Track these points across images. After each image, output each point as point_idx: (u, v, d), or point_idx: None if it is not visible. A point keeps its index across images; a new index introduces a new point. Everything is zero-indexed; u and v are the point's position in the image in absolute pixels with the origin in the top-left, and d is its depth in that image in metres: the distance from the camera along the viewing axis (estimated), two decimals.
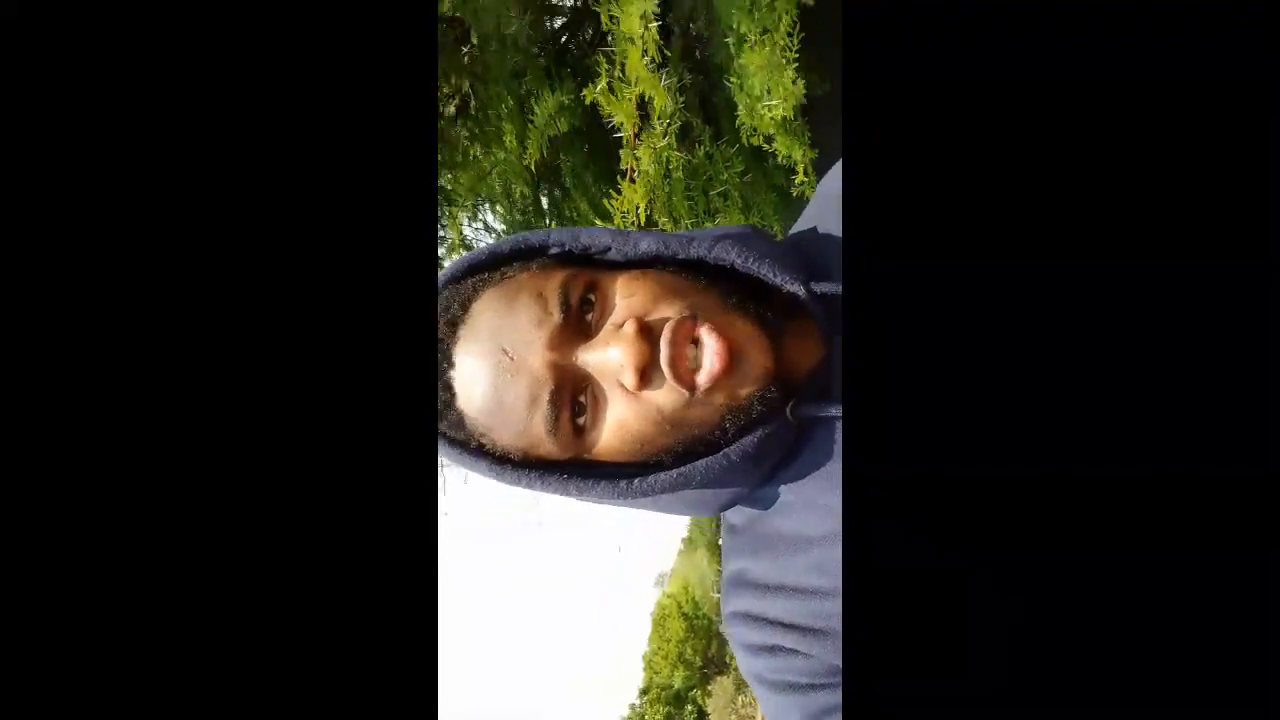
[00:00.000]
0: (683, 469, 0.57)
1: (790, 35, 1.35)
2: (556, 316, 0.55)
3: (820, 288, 0.59)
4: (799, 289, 0.59)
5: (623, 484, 0.58)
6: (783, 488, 0.61)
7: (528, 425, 0.56)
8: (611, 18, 1.40)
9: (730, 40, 1.45)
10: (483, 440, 0.58)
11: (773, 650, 0.60)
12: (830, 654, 0.58)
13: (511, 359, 0.55)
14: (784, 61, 1.34)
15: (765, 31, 1.37)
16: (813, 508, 0.59)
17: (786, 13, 1.35)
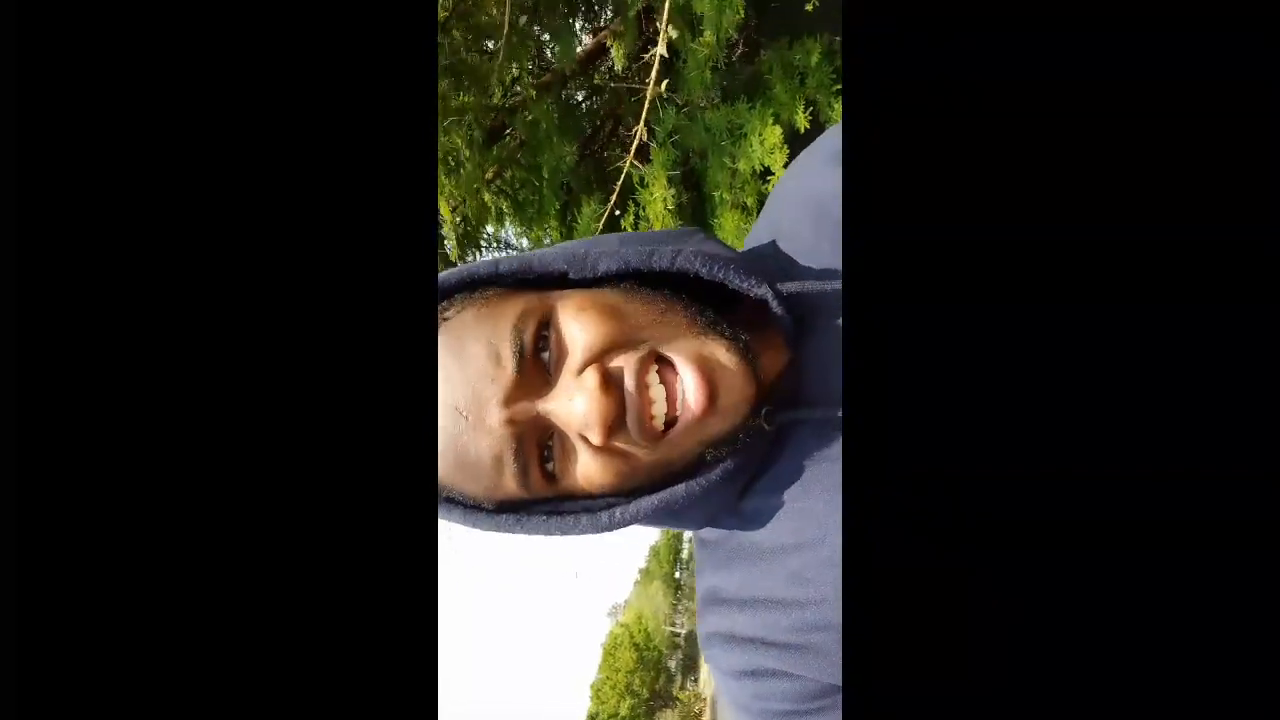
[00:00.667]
0: (663, 495, 0.55)
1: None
2: (510, 369, 0.51)
3: (787, 288, 0.57)
4: (765, 291, 0.56)
5: (604, 517, 0.56)
6: (756, 497, 0.59)
7: (496, 481, 0.53)
8: (641, 180, 1.68)
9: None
10: (450, 493, 0.56)
11: (756, 674, 0.57)
12: (817, 671, 0.55)
13: (467, 418, 0.51)
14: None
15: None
16: (787, 514, 0.57)
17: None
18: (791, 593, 0.55)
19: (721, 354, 0.53)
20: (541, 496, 0.56)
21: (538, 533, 0.56)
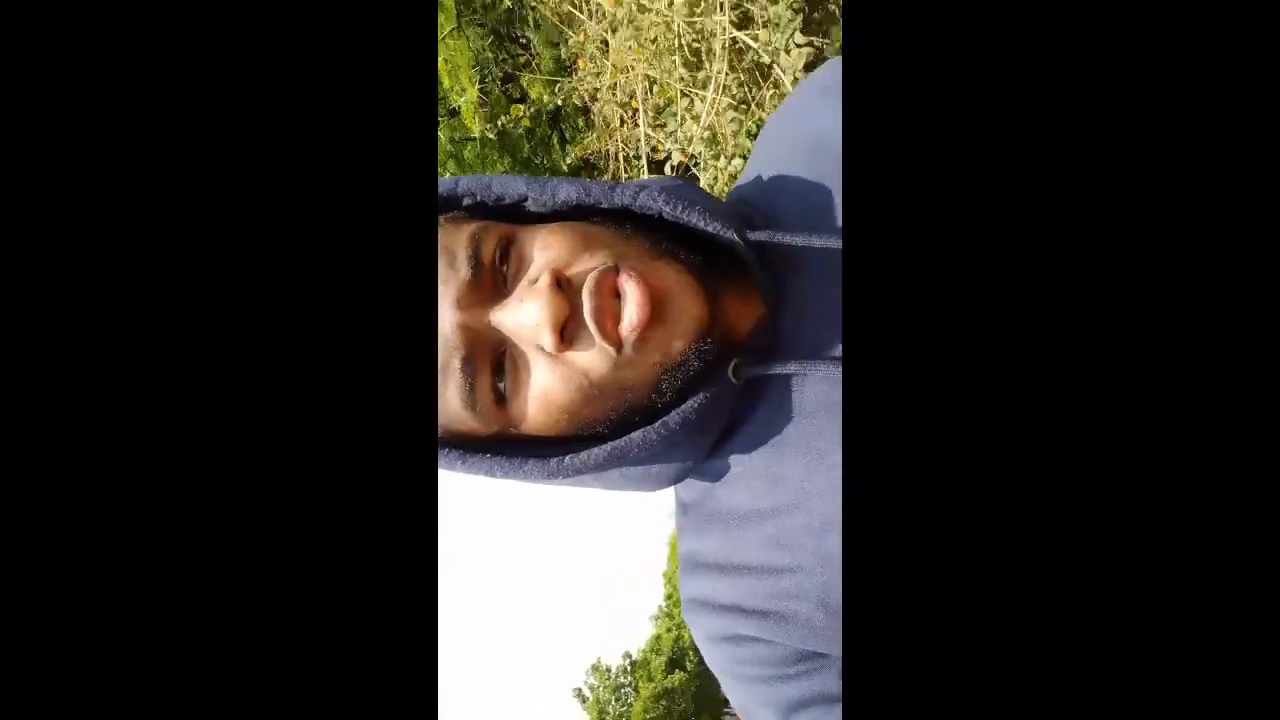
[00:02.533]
0: (617, 443, 0.52)
1: None
2: (464, 272, 0.49)
3: (756, 236, 0.54)
4: (731, 236, 0.53)
5: (553, 462, 0.53)
6: (731, 458, 0.57)
7: (442, 399, 0.50)
8: None
9: None
10: None
11: (734, 640, 0.56)
12: (795, 639, 0.54)
13: None
14: None
15: None
16: (763, 478, 0.55)
17: None
18: (768, 559, 0.54)
19: (670, 273, 0.52)
20: (490, 428, 0.53)
21: (480, 471, 0.53)
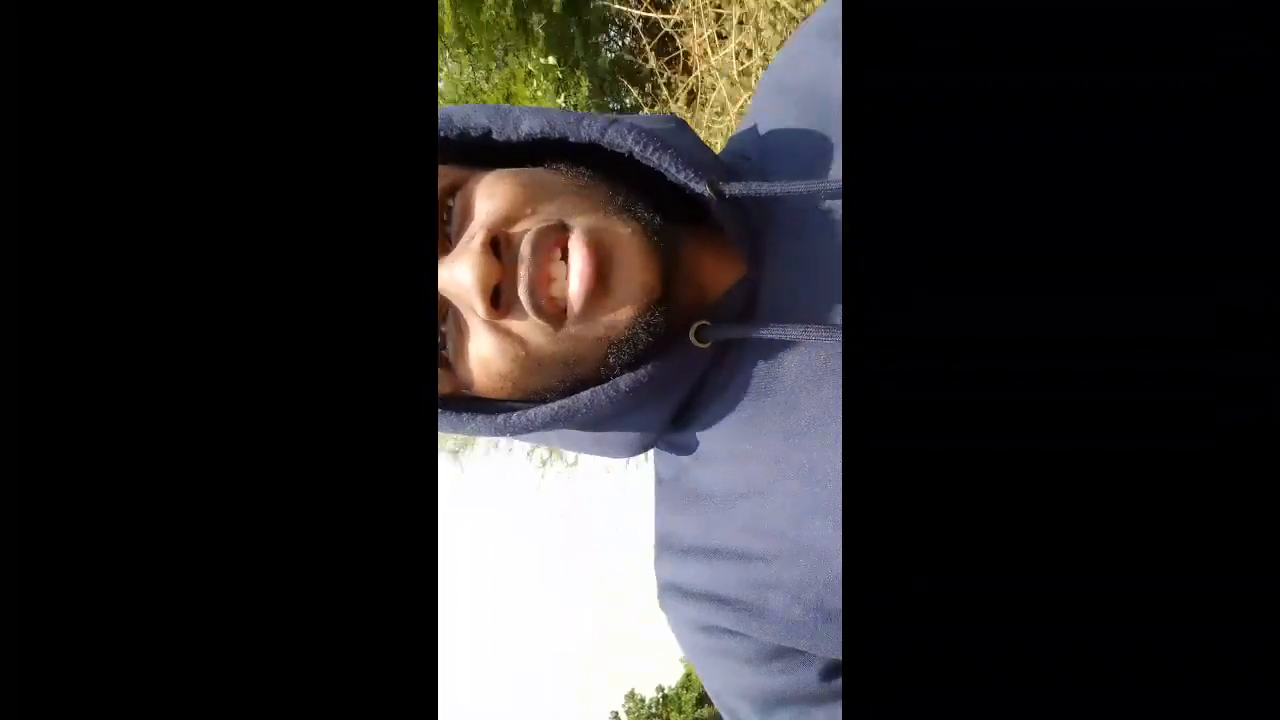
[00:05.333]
0: (564, 402, 0.49)
1: None
2: None
3: (732, 188, 0.48)
4: (703, 188, 0.48)
5: (500, 418, 0.50)
6: (704, 433, 0.53)
7: None
8: None
9: None
10: None
11: (710, 630, 0.53)
12: (771, 634, 0.50)
13: None
14: None
15: None
16: (738, 456, 0.51)
17: None
18: (743, 544, 0.50)
19: (622, 231, 0.47)
20: (442, 389, 0.51)
21: None
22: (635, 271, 0.47)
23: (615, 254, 0.46)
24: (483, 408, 0.51)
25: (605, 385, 0.48)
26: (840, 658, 0.48)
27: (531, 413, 0.49)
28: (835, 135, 0.50)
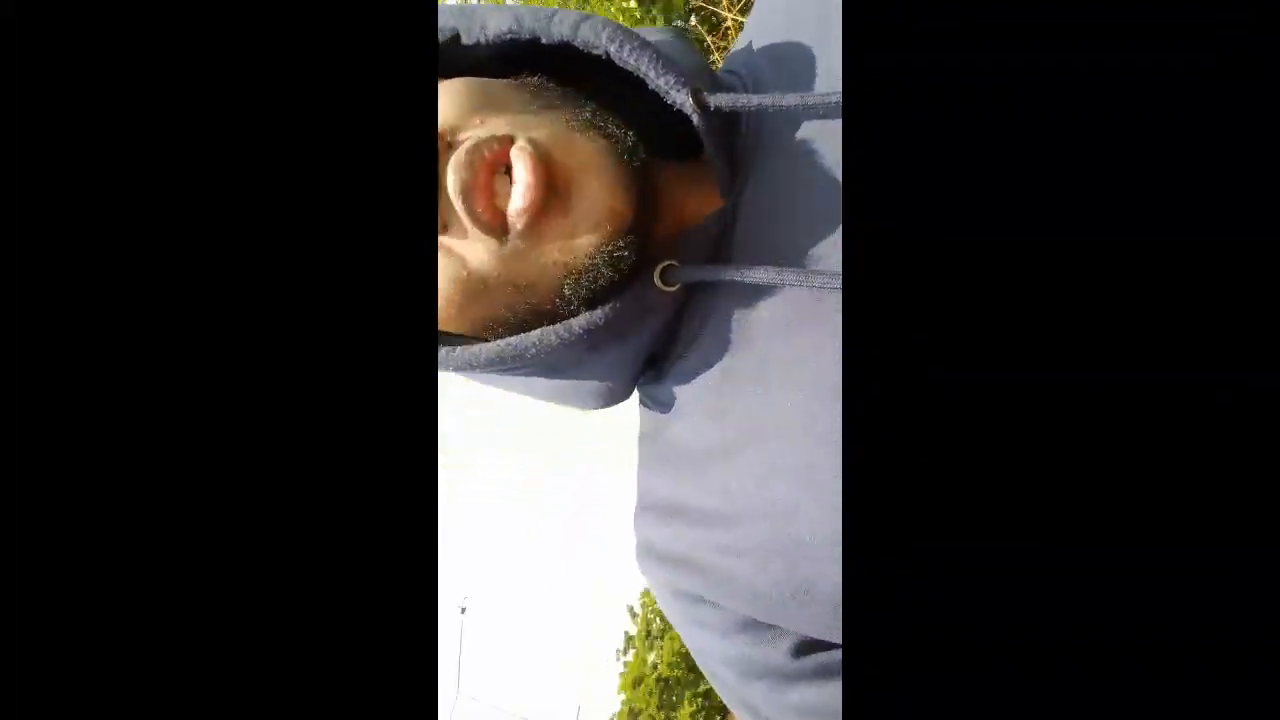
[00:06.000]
0: (511, 340, 0.44)
1: None
2: None
3: (718, 99, 0.43)
4: (684, 98, 0.42)
5: (442, 352, 0.45)
6: (677, 387, 0.48)
7: None
8: None
9: None
10: None
11: (683, 596, 0.50)
12: (739, 604, 0.46)
13: None
14: None
15: None
16: (710, 413, 0.47)
17: None
18: (712, 504, 0.46)
19: (586, 146, 0.42)
20: None
21: None
22: (599, 192, 0.42)
23: (573, 170, 0.42)
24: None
25: (557, 325, 0.44)
26: (810, 636, 0.45)
27: (475, 348, 0.45)
28: (829, 45, 0.45)
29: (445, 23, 0.46)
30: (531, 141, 0.41)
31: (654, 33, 0.49)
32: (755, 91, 0.47)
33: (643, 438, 0.54)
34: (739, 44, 0.54)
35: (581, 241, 0.42)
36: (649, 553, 0.51)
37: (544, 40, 0.45)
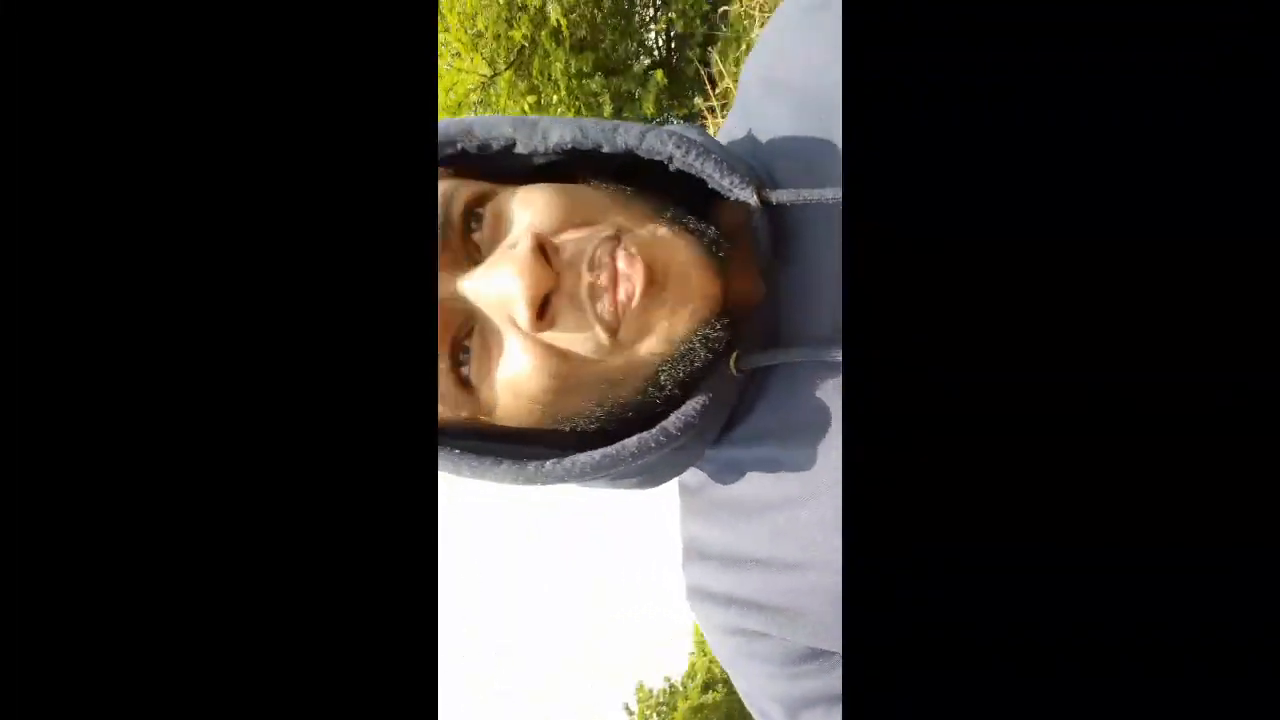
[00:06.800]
0: (609, 450, 0.46)
1: None
2: None
3: (778, 195, 0.46)
4: (750, 195, 0.45)
5: (531, 467, 0.46)
6: (733, 451, 0.52)
7: None
8: None
9: None
10: None
11: (742, 633, 0.52)
12: (802, 635, 0.49)
13: None
14: None
15: None
16: (769, 468, 0.50)
17: None
18: (776, 553, 0.49)
19: (679, 246, 0.45)
20: (457, 413, 0.46)
21: (446, 468, 0.46)
22: (697, 282, 0.45)
23: (672, 265, 0.44)
24: (508, 453, 0.47)
25: (655, 431, 0.45)
26: None
27: (570, 461, 0.45)
28: (838, 139, 0.48)
29: (502, 131, 0.48)
30: (634, 242, 0.43)
31: (688, 129, 0.51)
32: (775, 181, 0.50)
33: (686, 488, 0.56)
34: (732, 126, 0.56)
35: (681, 329, 0.44)
36: (705, 597, 0.53)
37: (606, 149, 0.47)
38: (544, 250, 0.43)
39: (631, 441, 0.45)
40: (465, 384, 0.45)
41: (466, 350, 0.45)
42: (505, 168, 0.49)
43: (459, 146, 0.47)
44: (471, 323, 0.44)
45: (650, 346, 0.45)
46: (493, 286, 0.43)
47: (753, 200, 0.46)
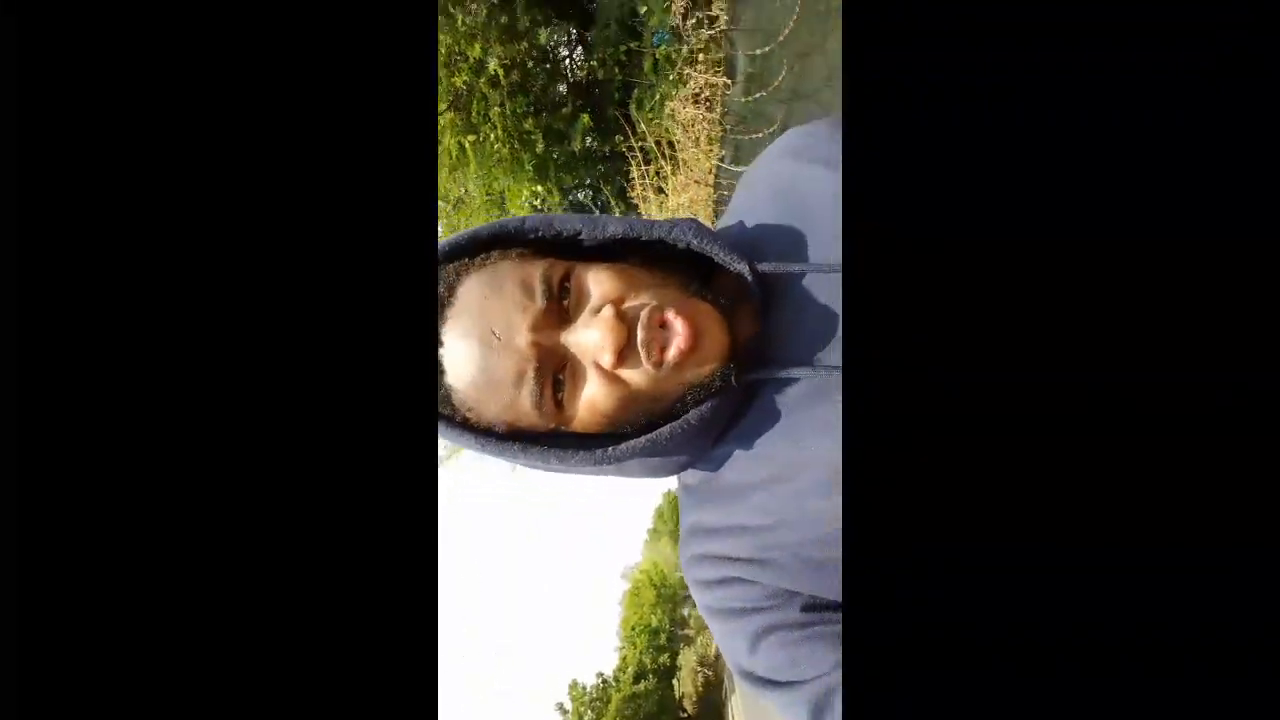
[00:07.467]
0: (651, 435, 0.65)
1: None
2: (539, 302, 0.62)
3: (763, 267, 0.68)
4: (744, 268, 0.67)
5: (599, 452, 0.66)
6: (728, 448, 0.70)
7: (514, 399, 0.63)
8: None
9: None
10: (468, 415, 0.65)
11: (724, 581, 0.68)
12: (776, 579, 0.66)
13: (499, 339, 0.62)
14: None
15: None
16: (754, 459, 0.68)
17: None
18: (756, 520, 0.67)
19: (706, 310, 0.65)
20: (548, 426, 0.65)
21: (537, 462, 0.67)
22: (718, 337, 0.65)
23: (704, 325, 0.64)
24: (583, 445, 0.67)
25: (680, 421, 0.66)
26: (821, 596, 0.65)
27: (625, 446, 0.66)
28: (808, 227, 0.70)
29: (572, 224, 0.70)
30: (679, 309, 0.63)
31: (688, 221, 0.72)
32: (761, 257, 0.71)
33: (687, 488, 0.75)
34: (727, 221, 0.79)
35: (705, 370, 0.65)
36: (701, 560, 0.71)
37: (643, 238, 0.69)
38: (620, 316, 0.62)
39: (665, 430, 0.66)
40: (558, 404, 0.64)
41: (560, 382, 0.63)
42: (563, 245, 0.71)
43: (541, 233, 0.69)
44: (565, 362, 0.63)
45: (685, 378, 0.64)
46: (589, 339, 0.62)
47: (746, 271, 0.67)
